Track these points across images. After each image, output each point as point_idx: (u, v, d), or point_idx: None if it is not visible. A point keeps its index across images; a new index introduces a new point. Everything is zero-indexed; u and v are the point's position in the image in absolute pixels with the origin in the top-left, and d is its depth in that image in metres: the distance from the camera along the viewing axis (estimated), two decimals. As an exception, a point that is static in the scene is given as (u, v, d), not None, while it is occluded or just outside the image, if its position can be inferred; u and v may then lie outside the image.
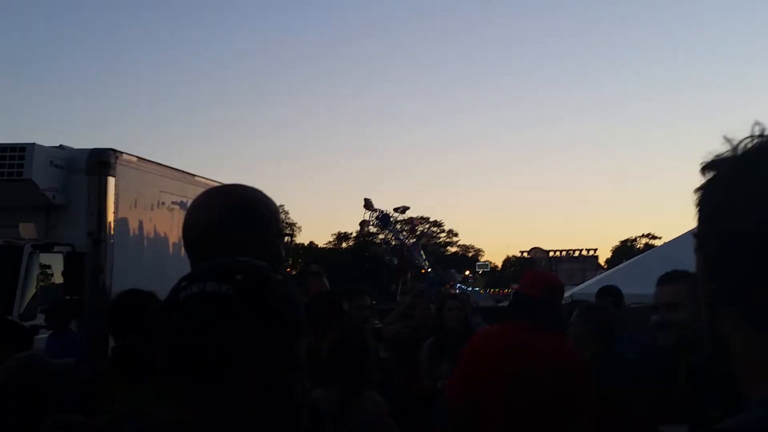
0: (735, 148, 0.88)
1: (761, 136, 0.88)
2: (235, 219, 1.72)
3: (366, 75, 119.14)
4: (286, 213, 77.35)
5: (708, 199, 0.90)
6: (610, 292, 6.75)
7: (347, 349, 3.10)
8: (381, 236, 64.02)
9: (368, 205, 48.72)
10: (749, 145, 0.88)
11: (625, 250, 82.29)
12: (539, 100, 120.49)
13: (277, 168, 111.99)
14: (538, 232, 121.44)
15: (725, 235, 0.86)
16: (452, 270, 48.68)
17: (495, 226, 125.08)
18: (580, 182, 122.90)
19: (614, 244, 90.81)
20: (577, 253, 48.94)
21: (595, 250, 50.90)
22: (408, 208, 51.81)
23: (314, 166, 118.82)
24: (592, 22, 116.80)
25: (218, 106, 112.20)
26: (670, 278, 2.97)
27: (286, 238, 1.86)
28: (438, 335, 5.93)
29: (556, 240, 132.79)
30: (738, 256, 0.85)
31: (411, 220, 52.64)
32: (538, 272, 5.21)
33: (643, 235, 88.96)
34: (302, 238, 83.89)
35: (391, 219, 48.67)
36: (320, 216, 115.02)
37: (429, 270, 44.42)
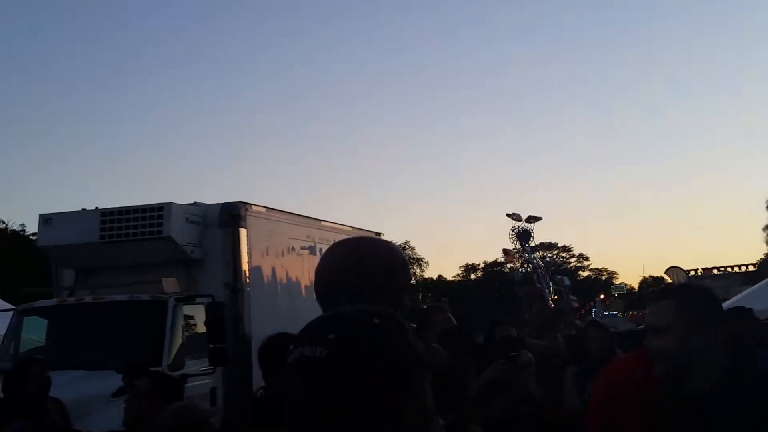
0: None
1: None
2: (346, 271, 1.87)
3: (481, 107, 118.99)
4: (412, 249, 77.89)
5: None
6: (734, 314, 6.16)
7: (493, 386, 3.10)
8: (509, 266, 63.23)
9: (517, 217, 48.24)
10: None
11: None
12: (669, 112, 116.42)
13: (402, 204, 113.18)
14: (676, 248, 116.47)
15: None
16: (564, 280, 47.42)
17: (628, 247, 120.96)
18: (721, 194, 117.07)
19: (759, 257, 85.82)
20: (719, 271, 46.41)
21: (747, 265, 47.78)
22: (540, 218, 51.05)
23: (439, 199, 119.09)
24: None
25: (338, 149, 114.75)
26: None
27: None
28: (582, 362, 5.84)
29: (694, 257, 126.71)
30: None
31: (546, 245, 51.91)
32: None
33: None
34: (430, 273, 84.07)
35: (531, 235, 48.17)
36: (447, 249, 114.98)
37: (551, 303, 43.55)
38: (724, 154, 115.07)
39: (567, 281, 50.08)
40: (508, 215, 48.27)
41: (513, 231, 48.04)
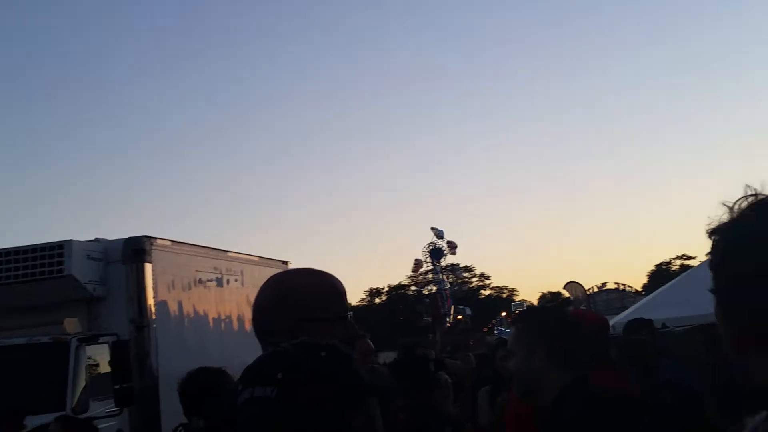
0: (731, 210, 1.03)
1: (753, 195, 1.03)
2: (275, 309, 1.89)
3: (389, 122, 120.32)
4: (316, 275, 77.40)
5: (717, 254, 1.04)
6: (637, 326, 6.62)
7: None
8: (413, 288, 63.84)
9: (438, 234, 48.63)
10: (743, 205, 1.03)
11: (660, 274, 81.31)
12: (555, 134, 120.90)
13: (308, 231, 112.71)
14: (570, 265, 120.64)
15: (738, 279, 0.99)
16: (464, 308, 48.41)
17: (526, 264, 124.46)
18: (608, 211, 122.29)
19: (650, 269, 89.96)
20: (612, 286, 48.55)
21: (629, 286, 50.60)
22: (456, 245, 51.77)
23: (342, 223, 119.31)
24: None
25: (241, 179, 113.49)
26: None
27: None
28: (495, 383, 5.97)
29: (589, 271, 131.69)
30: (748, 299, 0.97)
31: (452, 267, 52.56)
32: (582, 311, 5.23)
33: (677, 257, 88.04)
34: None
35: (444, 252, 48.73)
36: (352, 274, 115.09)
37: (457, 320, 44.25)
38: (621, 174, 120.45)
39: (468, 311, 51.06)
40: (432, 228, 48.82)
41: (429, 246, 48.61)
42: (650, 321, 6.51)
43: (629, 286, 50.67)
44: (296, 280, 1.99)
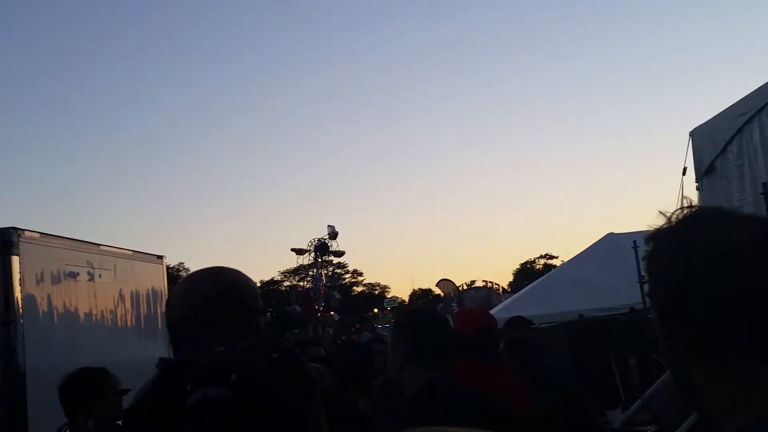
0: (669, 219, 1.11)
1: (689, 207, 1.12)
2: (218, 304, 1.87)
3: (250, 122, 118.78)
4: (187, 270, 75.79)
5: (656, 261, 1.11)
6: (519, 323, 6.96)
7: None
8: (286, 283, 63.46)
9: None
10: (680, 216, 1.11)
11: (525, 272, 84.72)
12: (429, 131, 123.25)
13: (181, 225, 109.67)
14: (440, 263, 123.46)
15: (675, 286, 1.05)
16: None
17: (398, 261, 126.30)
18: (475, 209, 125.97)
19: (515, 267, 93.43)
20: (480, 283, 50.06)
21: (495, 283, 52.40)
22: (342, 253, 51.81)
23: (210, 216, 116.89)
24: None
25: (115, 171, 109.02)
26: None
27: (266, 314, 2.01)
28: None
29: (458, 269, 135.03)
30: (688, 303, 1.03)
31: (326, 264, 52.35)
32: (470, 310, 5.44)
33: (541, 256, 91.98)
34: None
35: (329, 248, 48.28)
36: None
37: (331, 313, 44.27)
38: (489, 176, 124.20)
39: (338, 294, 51.18)
40: (329, 226, 48.37)
41: (315, 241, 48.18)
42: (529, 321, 6.84)
43: (497, 284, 52.40)
44: (234, 275, 2.00)
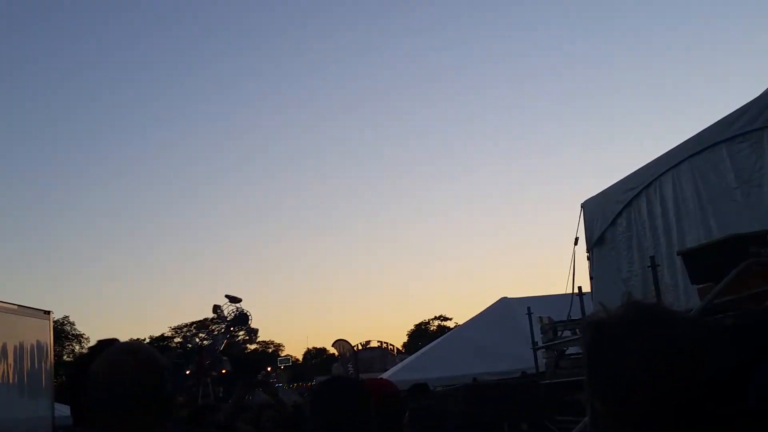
0: (610, 314, 1.17)
1: (629, 304, 1.18)
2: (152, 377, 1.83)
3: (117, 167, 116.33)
4: (72, 324, 72.61)
5: (605, 352, 1.15)
6: (423, 390, 6.92)
7: None
8: (177, 340, 61.76)
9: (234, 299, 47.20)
10: (620, 312, 1.17)
11: (420, 333, 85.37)
12: (326, 189, 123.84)
13: (56, 273, 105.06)
14: (335, 322, 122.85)
15: (627, 380, 1.10)
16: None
17: (292, 319, 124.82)
18: (371, 269, 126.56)
19: (410, 328, 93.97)
20: (375, 344, 50.34)
21: (390, 344, 52.83)
22: (240, 299, 51.01)
23: (98, 269, 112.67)
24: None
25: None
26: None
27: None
28: None
29: (353, 329, 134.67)
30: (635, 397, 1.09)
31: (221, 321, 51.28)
32: (375, 380, 5.36)
33: (435, 317, 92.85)
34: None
35: (249, 320, 47.69)
36: (110, 324, 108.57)
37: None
38: (382, 237, 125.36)
39: (228, 366, 50.24)
40: (227, 296, 47.56)
41: (232, 312, 47.18)
42: (425, 385, 6.80)
43: (391, 345, 52.62)
44: (149, 354, 1.93)
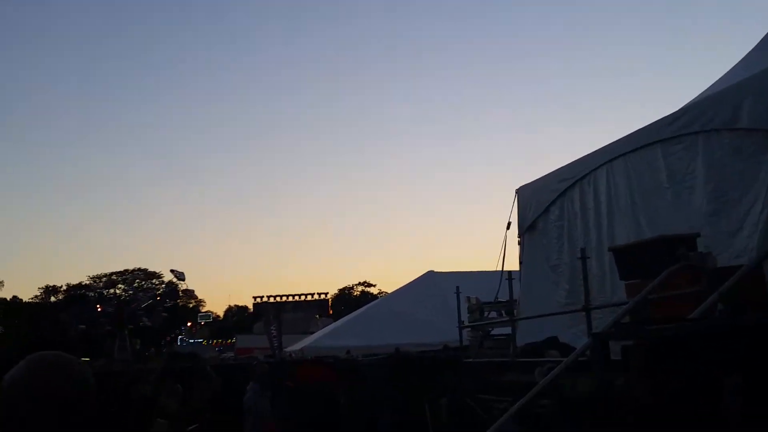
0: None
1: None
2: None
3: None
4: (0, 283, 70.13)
5: None
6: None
7: None
8: (94, 291, 60.60)
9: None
10: None
11: (344, 298, 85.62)
12: (257, 134, 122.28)
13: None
14: (259, 281, 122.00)
15: None
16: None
17: (214, 276, 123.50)
18: (297, 229, 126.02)
19: (333, 292, 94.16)
20: (305, 297, 50.16)
21: (326, 294, 52.57)
22: (184, 278, 50.23)
23: (14, 213, 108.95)
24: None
25: None
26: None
27: None
28: None
29: (277, 288, 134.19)
30: None
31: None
32: (314, 368, 5.33)
33: (359, 283, 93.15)
34: (4, 293, 76.05)
35: (180, 296, 46.88)
36: (25, 268, 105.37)
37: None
38: (313, 196, 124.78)
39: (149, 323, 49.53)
40: (172, 271, 46.53)
41: (166, 288, 46.29)
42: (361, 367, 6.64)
43: (324, 295, 52.51)
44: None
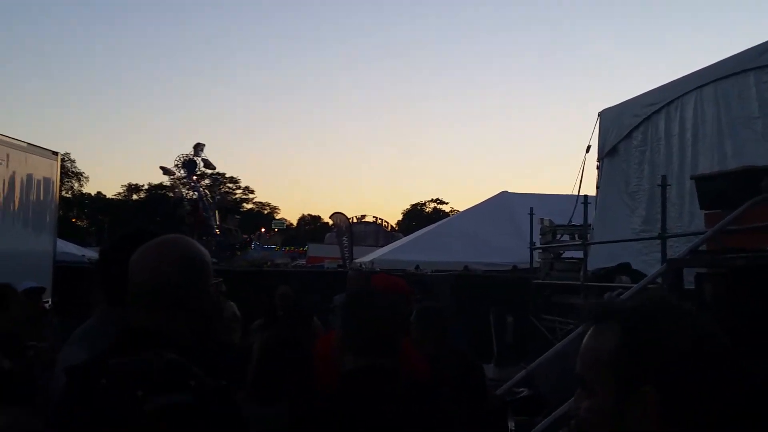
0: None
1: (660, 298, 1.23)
2: (191, 275, 1.75)
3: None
4: (72, 161, 72.90)
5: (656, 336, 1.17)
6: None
7: None
8: (175, 190, 62.44)
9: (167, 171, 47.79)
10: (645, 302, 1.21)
11: (415, 214, 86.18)
12: (332, 58, 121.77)
13: (62, 110, 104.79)
14: (332, 192, 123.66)
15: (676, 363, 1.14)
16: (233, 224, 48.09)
17: (291, 183, 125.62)
18: (371, 144, 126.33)
19: (405, 207, 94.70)
20: (370, 218, 50.74)
21: (384, 220, 53.20)
22: (214, 167, 51.26)
23: (104, 110, 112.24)
24: None
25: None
26: None
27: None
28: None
29: (349, 201, 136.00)
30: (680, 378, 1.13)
31: (215, 178, 51.54)
32: (389, 277, 5.41)
33: (432, 200, 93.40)
34: (90, 188, 79.35)
35: (197, 165, 47.95)
36: (110, 165, 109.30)
37: (217, 232, 43.97)
38: (385, 114, 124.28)
39: (236, 216, 50.97)
40: (198, 144, 47.61)
41: (179, 159, 47.45)
42: (429, 284, 6.70)
43: (386, 222, 53.15)
44: (197, 247, 1.87)
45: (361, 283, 6.70)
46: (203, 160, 48.26)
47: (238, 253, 42.93)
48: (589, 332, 1.23)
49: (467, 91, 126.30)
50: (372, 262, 17.80)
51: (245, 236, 51.09)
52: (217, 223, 45.27)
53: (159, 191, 74.98)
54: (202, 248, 1.86)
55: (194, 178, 47.70)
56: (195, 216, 44.21)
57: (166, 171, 48.82)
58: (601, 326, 1.21)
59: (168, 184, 74.87)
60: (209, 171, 53.12)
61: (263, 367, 3.18)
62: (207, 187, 53.62)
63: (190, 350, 1.53)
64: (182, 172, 47.97)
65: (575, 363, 1.22)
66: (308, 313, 4.94)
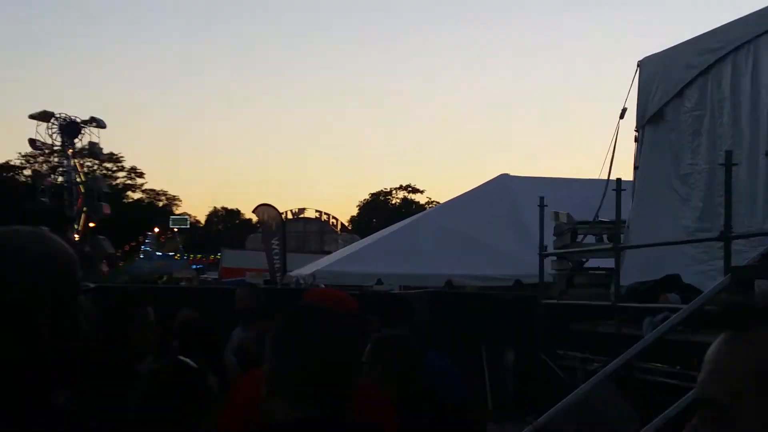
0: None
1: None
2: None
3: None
4: None
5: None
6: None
7: None
8: (27, 172, 61.82)
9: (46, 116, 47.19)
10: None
11: (376, 207, 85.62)
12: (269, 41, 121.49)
13: None
14: (259, 181, 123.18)
15: None
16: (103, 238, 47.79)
17: (196, 165, 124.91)
18: (317, 119, 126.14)
19: (362, 198, 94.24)
20: (313, 214, 50.86)
21: (333, 216, 53.37)
22: (104, 126, 50.62)
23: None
24: None
25: None
26: None
27: None
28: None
29: (284, 191, 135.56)
30: None
31: (90, 148, 50.85)
32: (325, 291, 5.37)
33: (399, 187, 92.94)
34: None
35: (81, 131, 47.53)
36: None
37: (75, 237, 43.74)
38: (340, 77, 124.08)
39: (106, 207, 50.25)
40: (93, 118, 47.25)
41: (56, 121, 47.05)
42: (408, 304, 6.16)
43: (334, 218, 53.39)
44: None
45: (253, 304, 6.65)
46: (91, 143, 48.13)
47: (120, 263, 42.69)
48: (724, 340, 1.29)
49: (443, 41, 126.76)
50: (314, 275, 17.70)
51: (134, 241, 50.79)
52: (79, 225, 45.06)
53: (7, 173, 73.98)
54: (62, 244, 1.88)
55: (69, 151, 47.42)
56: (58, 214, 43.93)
57: (34, 144, 48.39)
58: (746, 332, 1.27)
59: (17, 163, 74.21)
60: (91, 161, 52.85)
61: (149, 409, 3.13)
62: (81, 167, 53.11)
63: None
64: (57, 139, 47.60)
65: (602, 415, 1.26)
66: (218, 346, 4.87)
